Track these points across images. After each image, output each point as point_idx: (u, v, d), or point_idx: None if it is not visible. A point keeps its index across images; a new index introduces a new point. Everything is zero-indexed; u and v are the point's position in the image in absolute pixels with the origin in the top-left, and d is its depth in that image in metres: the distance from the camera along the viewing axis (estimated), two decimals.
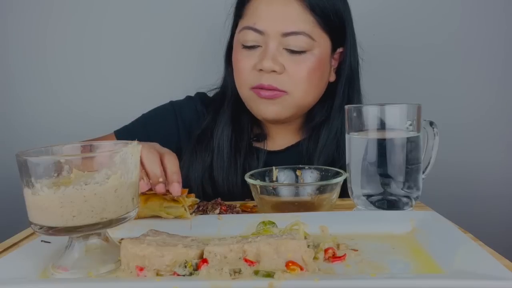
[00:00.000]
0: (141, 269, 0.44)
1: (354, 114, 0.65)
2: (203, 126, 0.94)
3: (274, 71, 0.81)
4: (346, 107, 0.67)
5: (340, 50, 0.89)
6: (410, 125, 0.63)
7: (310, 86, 0.84)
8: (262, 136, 0.94)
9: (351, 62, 0.89)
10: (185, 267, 0.43)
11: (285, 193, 0.67)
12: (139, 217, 0.58)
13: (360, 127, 0.65)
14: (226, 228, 0.57)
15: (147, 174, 0.58)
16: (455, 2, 1.23)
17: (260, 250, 0.44)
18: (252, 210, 0.71)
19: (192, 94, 1.02)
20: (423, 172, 0.67)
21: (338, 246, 0.50)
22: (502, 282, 0.37)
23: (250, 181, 0.67)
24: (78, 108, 1.27)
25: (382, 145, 0.63)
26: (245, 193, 0.79)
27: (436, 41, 1.24)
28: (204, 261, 0.43)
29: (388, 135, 0.63)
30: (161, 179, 0.57)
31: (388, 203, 0.64)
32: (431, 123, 0.66)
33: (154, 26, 1.25)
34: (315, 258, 0.46)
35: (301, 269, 0.42)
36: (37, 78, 1.27)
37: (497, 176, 1.28)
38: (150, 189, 0.58)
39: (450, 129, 1.14)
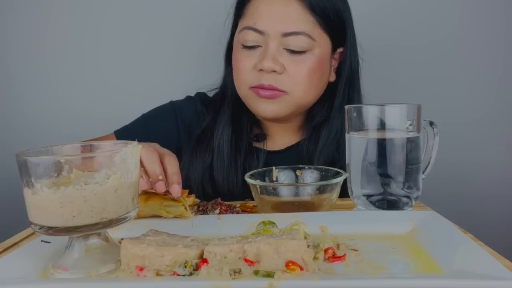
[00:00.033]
0: (141, 269, 0.44)
1: (354, 114, 0.65)
2: (203, 126, 0.94)
3: (274, 71, 0.81)
4: (346, 107, 0.67)
5: (340, 50, 0.89)
6: (410, 125, 0.63)
7: (310, 86, 0.84)
8: (262, 136, 0.94)
9: (351, 62, 0.89)
10: (185, 267, 0.43)
11: (285, 193, 0.67)
12: (139, 216, 0.58)
13: (360, 127, 0.65)
14: (226, 228, 0.57)
15: (146, 174, 0.58)
16: (455, 2, 1.23)
17: (260, 250, 0.43)
18: (252, 210, 0.71)
19: (192, 94, 1.02)
20: (423, 172, 0.67)
21: (338, 246, 0.50)
22: (502, 282, 0.37)
23: (250, 181, 0.67)
24: (78, 108, 1.28)
25: (382, 145, 0.63)
26: (245, 193, 0.79)
27: (436, 41, 1.24)
28: (204, 261, 0.43)
29: (388, 135, 0.63)
30: (160, 177, 0.57)
31: (388, 203, 0.64)
32: (431, 123, 0.66)
33: (154, 26, 1.25)
34: (315, 258, 0.46)
35: (301, 269, 0.42)
36: (37, 78, 1.27)
37: (497, 176, 1.28)
38: (151, 188, 0.58)
39: (450, 129, 1.14)
